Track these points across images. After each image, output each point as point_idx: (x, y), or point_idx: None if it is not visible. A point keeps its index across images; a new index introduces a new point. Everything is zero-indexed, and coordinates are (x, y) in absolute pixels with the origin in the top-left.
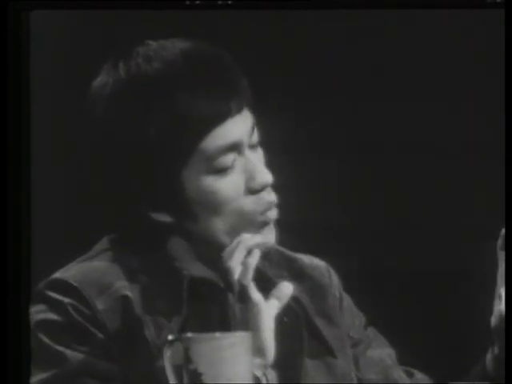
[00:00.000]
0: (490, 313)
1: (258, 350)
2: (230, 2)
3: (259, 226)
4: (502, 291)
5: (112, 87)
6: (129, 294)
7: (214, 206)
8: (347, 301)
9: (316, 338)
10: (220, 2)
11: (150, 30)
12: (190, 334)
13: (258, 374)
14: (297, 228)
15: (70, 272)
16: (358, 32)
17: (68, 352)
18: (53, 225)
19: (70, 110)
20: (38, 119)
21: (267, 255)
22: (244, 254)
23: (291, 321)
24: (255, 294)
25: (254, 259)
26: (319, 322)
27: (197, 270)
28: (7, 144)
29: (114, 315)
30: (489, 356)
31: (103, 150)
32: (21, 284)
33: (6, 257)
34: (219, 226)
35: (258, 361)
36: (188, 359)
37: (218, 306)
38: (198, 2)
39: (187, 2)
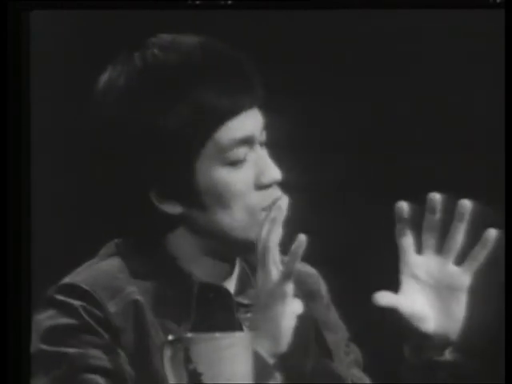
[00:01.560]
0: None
1: (273, 336)
2: (230, 2)
3: (266, 221)
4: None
5: (127, 77)
6: (139, 298)
7: (224, 198)
8: (333, 312)
9: (318, 341)
10: (221, 2)
11: (150, 30)
12: (189, 334)
13: (270, 361)
14: (293, 228)
15: (80, 276)
16: (358, 32)
17: (74, 351)
18: (53, 224)
19: (70, 109)
20: (38, 119)
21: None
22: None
23: (299, 323)
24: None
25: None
26: (320, 326)
27: (204, 273)
28: (7, 144)
29: (126, 319)
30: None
31: (114, 140)
32: (21, 284)
33: (6, 257)
34: (227, 219)
35: (270, 348)
36: (187, 359)
37: (226, 311)
38: (198, 2)
39: (189, 2)
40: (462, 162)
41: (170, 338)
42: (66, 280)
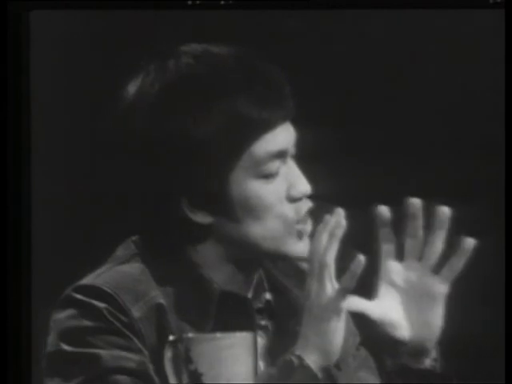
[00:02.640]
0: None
1: (324, 351)
2: (230, 2)
3: (296, 235)
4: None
5: (161, 85)
6: (163, 301)
7: (256, 210)
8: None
9: None
10: (222, 2)
11: (151, 30)
12: (190, 335)
13: (319, 375)
14: None
15: (101, 278)
16: (357, 32)
17: (102, 352)
18: (55, 224)
19: (70, 109)
20: (38, 119)
21: (276, 264)
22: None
23: None
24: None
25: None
26: None
27: (225, 280)
28: (7, 143)
29: (149, 323)
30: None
31: (146, 147)
32: (22, 285)
33: (6, 257)
34: (259, 231)
35: (319, 360)
36: (188, 359)
37: (246, 319)
38: (198, 2)
39: (189, 2)
40: (461, 162)
41: (171, 338)
42: (86, 281)
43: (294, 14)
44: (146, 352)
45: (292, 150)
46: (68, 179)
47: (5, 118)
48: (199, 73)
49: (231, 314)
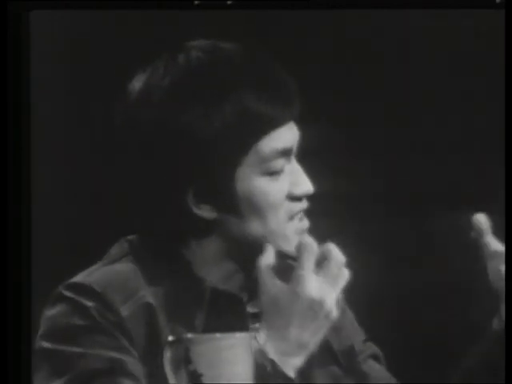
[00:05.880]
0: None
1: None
2: (229, 2)
3: (294, 233)
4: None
5: (172, 78)
6: (152, 301)
7: (260, 208)
8: (349, 317)
9: (326, 349)
10: (220, 2)
11: (150, 30)
12: (189, 335)
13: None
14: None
15: (92, 277)
16: (358, 32)
17: (88, 351)
18: (55, 223)
19: (70, 109)
20: (38, 119)
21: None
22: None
23: None
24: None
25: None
26: (329, 334)
27: (222, 280)
28: (7, 143)
29: (138, 322)
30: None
31: (153, 139)
32: (22, 285)
33: (7, 257)
34: (261, 229)
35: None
36: (188, 360)
37: (237, 318)
38: (197, 2)
39: (196, 3)
40: (461, 162)
41: (170, 338)
42: (78, 279)
43: (294, 14)
44: (134, 352)
45: (295, 149)
46: (68, 179)
47: (5, 118)
48: (209, 67)
49: (223, 313)
